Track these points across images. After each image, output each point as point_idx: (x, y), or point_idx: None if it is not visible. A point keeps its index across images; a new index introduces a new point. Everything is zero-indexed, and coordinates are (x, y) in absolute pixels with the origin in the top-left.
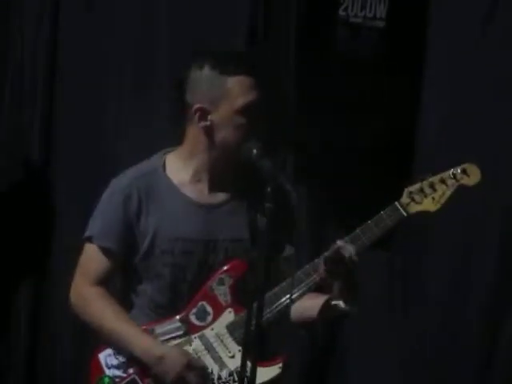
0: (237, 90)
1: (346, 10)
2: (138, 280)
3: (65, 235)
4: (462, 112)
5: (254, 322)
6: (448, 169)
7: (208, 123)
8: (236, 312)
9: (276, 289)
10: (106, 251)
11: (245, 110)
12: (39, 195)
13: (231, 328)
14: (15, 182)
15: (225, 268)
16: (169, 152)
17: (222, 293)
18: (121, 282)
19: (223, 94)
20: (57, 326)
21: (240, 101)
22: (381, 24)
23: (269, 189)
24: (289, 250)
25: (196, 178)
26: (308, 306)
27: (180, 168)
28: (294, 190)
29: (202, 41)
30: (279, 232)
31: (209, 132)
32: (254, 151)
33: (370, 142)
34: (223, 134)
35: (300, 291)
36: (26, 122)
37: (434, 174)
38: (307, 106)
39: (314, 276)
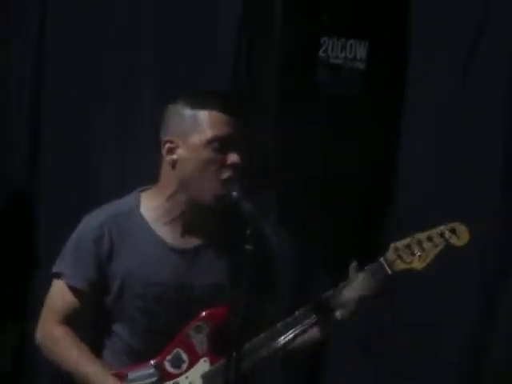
0: (206, 123)
1: (326, 51)
2: (110, 321)
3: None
4: (442, 152)
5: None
6: (434, 220)
7: (175, 157)
8: (212, 362)
9: (256, 339)
10: (75, 291)
11: (213, 144)
12: (21, 227)
13: (206, 379)
14: None
15: (202, 315)
16: (145, 190)
17: (199, 341)
18: (92, 322)
19: (193, 128)
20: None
21: (208, 134)
22: (361, 65)
23: (249, 231)
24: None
25: (169, 219)
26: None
27: (154, 208)
28: (274, 232)
29: (188, 81)
30: (259, 276)
31: (176, 167)
32: (234, 193)
33: (351, 183)
34: (190, 169)
35: (287, 338)
36: (11, 150)
37: (421, 230)
38: (287, 148)
39: (304, 323)
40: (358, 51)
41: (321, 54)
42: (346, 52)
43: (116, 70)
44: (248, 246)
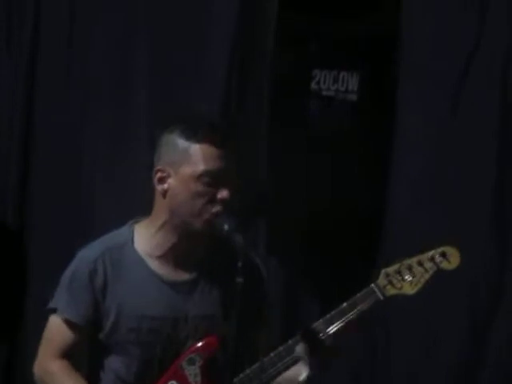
0: (199, 156)
1: (318, 83)
2: (104, 355)
3: (38, 302)
4: (432, 184)
5: None
6: (424, 246)
7: (165, 186)
8: None
9: (247, 371)
10: (71, 325)
11: (204, 178)
12: (12, 261)
13: None
14: None
15: (196, 346)
16: (138, 222)
17: (192, 373)
18: (88, 356)
19: (185, 159)
20: None
21: (200, 168)
22: (353, 97)
23: (240, 264)
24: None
25: (162, 252)
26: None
27: (148, 240)
28: (264, 264)
29: (179, 107)
30: (250, 307)
31: (167, 196)
32: (226, 226)
33: (343, 213)
34: (180, 200)
35: (271, 375)
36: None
37: (411, 255)
38: (279, 179)
39: (288, 359)
40: (349, 83)
41: (313, 86)
42: (337, 84)
43: (110, 79)
44: (239, 279)
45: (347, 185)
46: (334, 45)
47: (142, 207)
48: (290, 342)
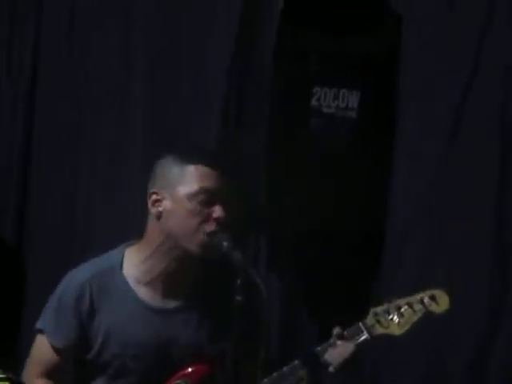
0: (194, 176)
1: (318, 100)
2: (92, 376)
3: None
4: (432, 205)
5: None
6: (415, 288)
7: (160, 209)
8: None
9: None
10: (55, 349)
11: (199, 197)
12: (9, 277)
13: None
14: None
15: (185, 372)
16: (129, 246)
17: None
18: (76, 375)
19: (180, 180)
20: None
21: (195, 186)
22: (353, 114)
23: (239, 281)
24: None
25: (151, 278)
26: None
27: (137, 265)
28: (264, 283)
29: (176, 138)
30: (248, 328)
31: (162, 219)
32: (225, 243)
33: (342, 231)
34: (175, 220)
35: None
36: None
37: (401, 296)
38: (279, 196)
39: (290, 379)
40: (350, 100)
41: (313, 102)
42: (338, 101)
43: (107, 94)
44: (238, 297)
45: (347, 203)
46: (334, 62)
47: (137, 226)
48: (284, 369)
